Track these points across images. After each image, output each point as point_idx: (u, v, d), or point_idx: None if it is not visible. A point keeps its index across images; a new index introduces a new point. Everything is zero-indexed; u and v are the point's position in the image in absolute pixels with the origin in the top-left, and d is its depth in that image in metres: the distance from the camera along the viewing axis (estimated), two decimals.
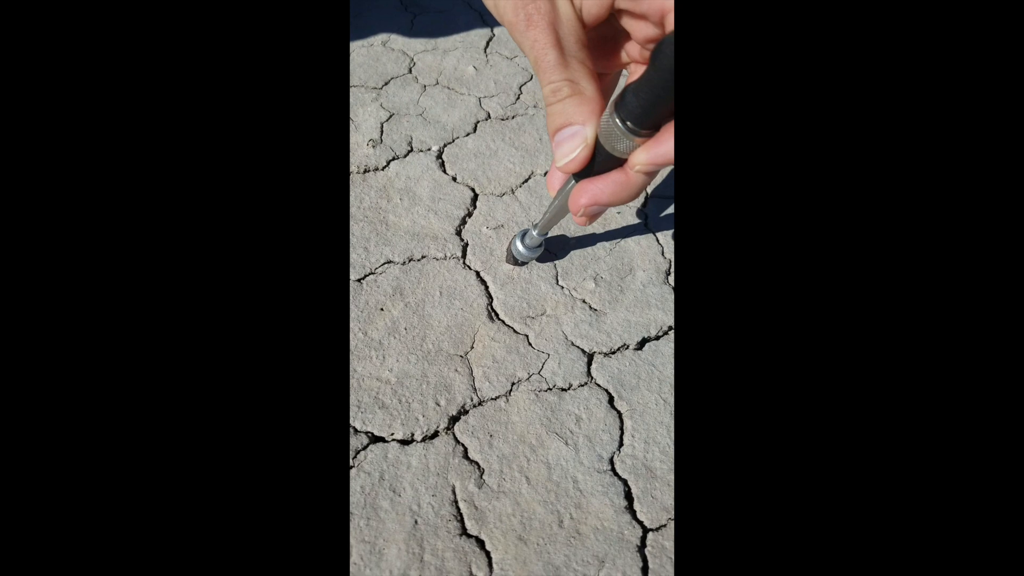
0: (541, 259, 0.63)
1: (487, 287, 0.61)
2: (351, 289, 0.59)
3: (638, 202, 0.70)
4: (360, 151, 0.72)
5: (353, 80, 0.79)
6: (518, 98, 0.79)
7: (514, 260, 0.61)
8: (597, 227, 0.67)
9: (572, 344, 0.57)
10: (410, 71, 0.81)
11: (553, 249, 0.64)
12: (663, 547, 0.45)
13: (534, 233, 0.56)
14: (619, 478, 0.48)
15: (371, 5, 0.91)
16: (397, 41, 0.85)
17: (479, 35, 0.86)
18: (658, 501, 0.47)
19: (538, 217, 0.67)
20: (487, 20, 0.89)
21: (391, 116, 0.76)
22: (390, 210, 0.67)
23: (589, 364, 0.55)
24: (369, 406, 0.51)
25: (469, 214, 0.67)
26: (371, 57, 0.82)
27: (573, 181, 0.37)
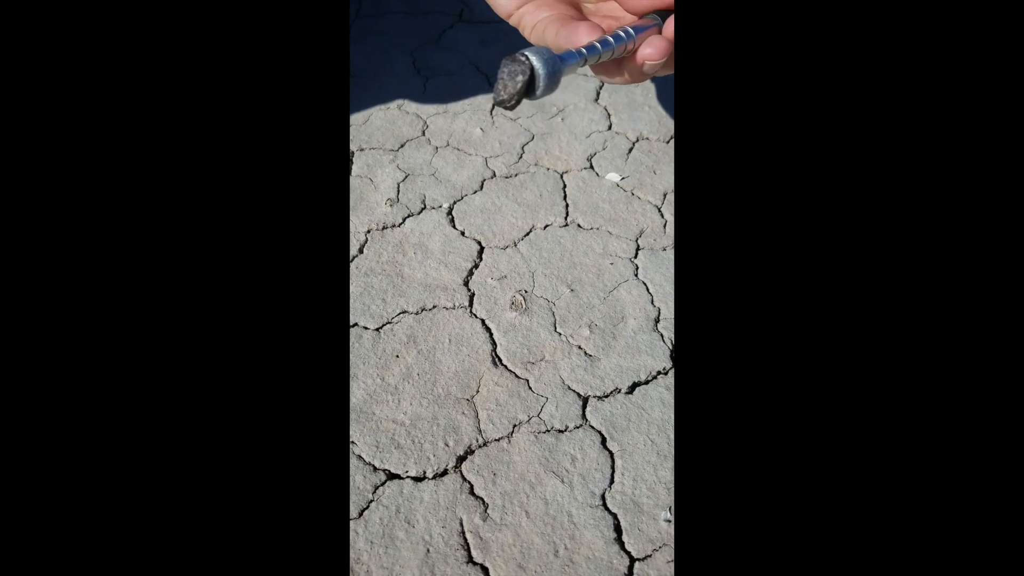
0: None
1: (491, 334, 0.67)
2: (371, 338, 0.66)
3: (630, 253, 0.76)
4: (379, 210, 0.79)
5: (372, 143, 0.87)
6: (520, 157, 0.87)
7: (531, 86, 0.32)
8: (592, 277, 0.73)
9: (568, 388, 0.63)
10: (423, 133, 0.90)
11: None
12: None
13: (583, 51, 0.34)
14: (609, 512, 0.54)
15: (387, 69, 1.00)
16: (411, 105, 0.93)
17: (485, 98, 0.95)
18: (644, 533, 0.52)
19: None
20: (492, 83, 0.98)
21: (407, 176, 0.84)
22: (405, 263, 0.74)
23: (584, 407, 0.61)
24: (386, 446, 0.58)
25: (476, 266, 0.74)
26: (388, 120, 0.91)
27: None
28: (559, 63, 0.31)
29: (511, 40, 1.03)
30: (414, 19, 1.04)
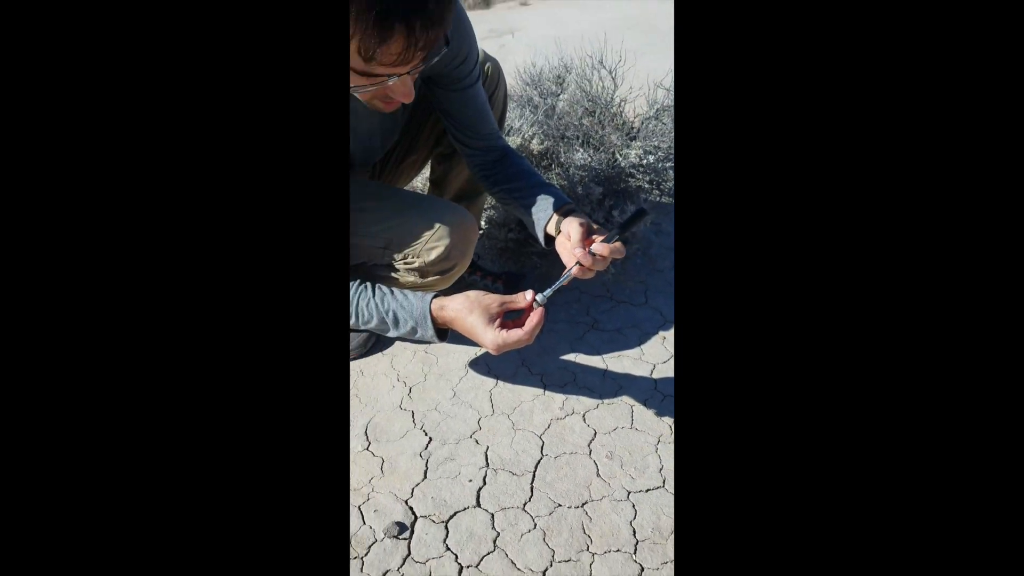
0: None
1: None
2: (510, 481, 1.51)
3: (605, 457, 1.50)
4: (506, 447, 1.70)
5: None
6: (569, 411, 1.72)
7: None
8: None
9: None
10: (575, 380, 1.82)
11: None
12: None
13: (549, 290, 1.16)
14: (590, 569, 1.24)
15: (555, 355, 1.99)
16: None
17: (602, 376, 1.85)
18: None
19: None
20: (600, 354, 1.88)
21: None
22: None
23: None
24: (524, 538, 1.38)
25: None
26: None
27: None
28: (543, 297, 1.18)
29: (620, 342, 1.95)
30: (568, 324, 2.06)
